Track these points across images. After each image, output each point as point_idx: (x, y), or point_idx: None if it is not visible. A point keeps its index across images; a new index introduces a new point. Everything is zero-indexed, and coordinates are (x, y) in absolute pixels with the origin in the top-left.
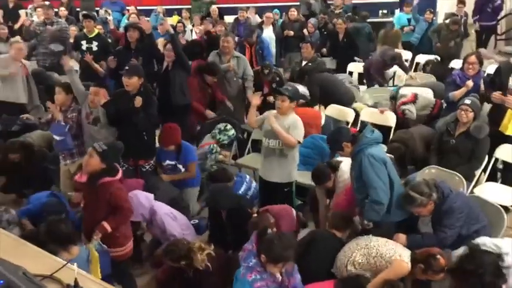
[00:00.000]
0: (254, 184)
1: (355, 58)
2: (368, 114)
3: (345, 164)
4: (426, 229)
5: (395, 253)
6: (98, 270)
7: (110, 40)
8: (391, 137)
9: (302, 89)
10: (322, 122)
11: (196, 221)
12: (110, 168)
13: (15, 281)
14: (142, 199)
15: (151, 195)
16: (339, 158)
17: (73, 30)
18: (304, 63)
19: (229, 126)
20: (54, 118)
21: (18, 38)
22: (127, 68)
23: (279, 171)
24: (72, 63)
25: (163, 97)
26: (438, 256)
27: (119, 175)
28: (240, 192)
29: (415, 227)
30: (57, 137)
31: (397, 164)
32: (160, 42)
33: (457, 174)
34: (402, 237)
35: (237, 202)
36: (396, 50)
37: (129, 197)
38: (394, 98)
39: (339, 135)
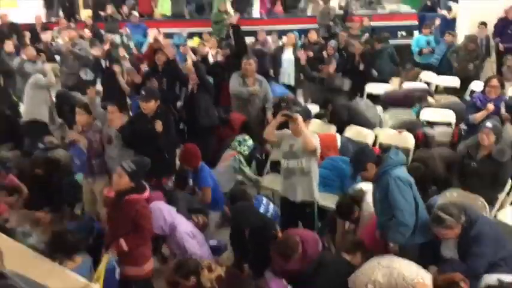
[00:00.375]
0: (272, 206)
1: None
2: (386, 136)
3: (370, 195)
4: (449, 253)
5: (418, 276)
6: (101, 283)
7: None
8: (410, 158)
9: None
10: (338, 144)
11: (215, 242)
12: (138, 186)
13: None
14: (166, 213)
15: (174, 210)
16: (361, 184)
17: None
18: None
19: (247, 137)
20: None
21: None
22: (143, 93)
23: (301, 190)
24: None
25: (189, 118)
26: (462, 284)
27: (147, 193)
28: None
29: (438, 250)
30: (77, 162)
31: (417, 184)
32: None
33: (480, 197)
34: (433, 268)
35: (261, 220)
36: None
37: (153, 208)
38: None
39: (362, 156)
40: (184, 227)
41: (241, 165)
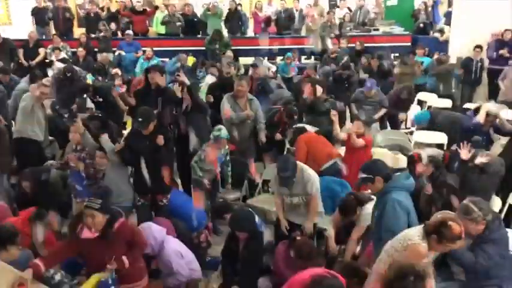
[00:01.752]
0: (263, 226)
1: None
2: (381, 156)
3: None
4: (455, 267)
5: (405, 239)
6: None
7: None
8: None
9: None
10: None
11: (209, 258)
12: (114, 214)
13: None
14: (156, 232)
15: (165, 230)
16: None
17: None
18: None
19: (219, 126)
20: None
21: (48, 80)
22: (140, 119)
23: (305, 216)
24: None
25: (181, 138)
26: (450, 223)
27: (123, 217)
28: None
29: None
30: (78, 187)
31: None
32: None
33: None
34: None
35: (258, 229)
36: None
37: (143, 227)
38: None
39: (374, 167)
40: (173, 246)
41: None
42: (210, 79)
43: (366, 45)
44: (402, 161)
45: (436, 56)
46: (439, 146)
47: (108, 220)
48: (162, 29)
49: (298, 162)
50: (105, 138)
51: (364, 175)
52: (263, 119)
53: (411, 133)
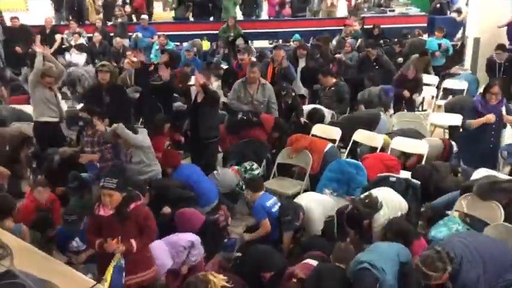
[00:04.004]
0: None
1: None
2: (398, 143)
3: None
4: None
5: None
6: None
7: None
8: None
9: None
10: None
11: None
12: (131, 195)
13: None
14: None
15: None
16: (373, 191)
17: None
18: (327, 88)
19: (255, 166)
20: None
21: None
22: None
23: None
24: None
25: (191, 129)
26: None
27: (143, 199)
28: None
29: None
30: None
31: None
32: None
33: (495, 202)
34: None
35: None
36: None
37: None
38: None
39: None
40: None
41: (237, 188)
42: None
43: (381, 26)
44: (421, 145)
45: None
46: (455, 127)
47: (124, 198)
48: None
49: None
50: (120, 127)
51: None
52: (276, 105)
53: (427, 115)
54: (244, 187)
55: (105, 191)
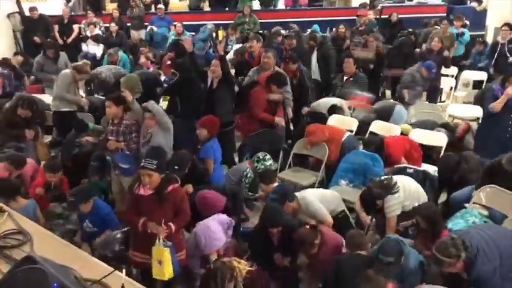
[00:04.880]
0: None
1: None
2: (417, 135)
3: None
4: None
5: None
6: (170, 267)
7: None
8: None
9: None
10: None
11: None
12: (169, 177)
13: (67, 285)
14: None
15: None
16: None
17: None
18: (345, 78)
19: (268, 157)
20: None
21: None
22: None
23: None
24: None
25: (208, 113)
26: None
27: (179, 182)
28: None
29: None
30: (123, 165)
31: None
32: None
33: None
34: None
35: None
36: None
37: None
38: None
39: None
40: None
41: (245, 179)
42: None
43: (400, 16)
44: (440, 137)
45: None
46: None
47: (162, 180)
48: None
49: None
50: (151, 102)
51: None
52: (291, 94)
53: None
54: (248, 181)
55: (144, 171)
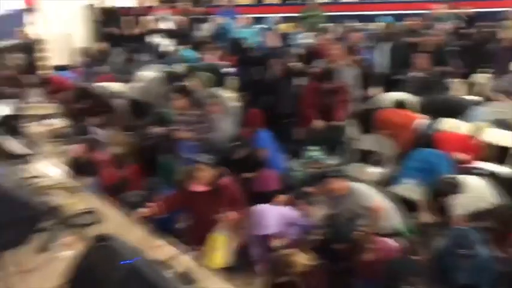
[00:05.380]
0: None
1: None
2: (492, 135)
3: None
4: None
5: None
6: (226, 255)
7: None
8: None
9: None
10: None
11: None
12: (220, 172)
13: (137, 264)
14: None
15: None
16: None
17: None
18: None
19: (322, 153)
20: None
21: None
22: None
23: None
24: None
25: (268, 104)
26: None
27: (227, 176)
28: None
29: None
30: (190, 156)
31: None
32: None
33: None
34: None
35: None
36: None
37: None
38: None
39: None
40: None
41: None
42: None
43: (479, 10)
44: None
45: None
46: None
47: (217, 175)
48: None
49: None
50: (217, 89)
51: None
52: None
53: None
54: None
55: (198, 166)
